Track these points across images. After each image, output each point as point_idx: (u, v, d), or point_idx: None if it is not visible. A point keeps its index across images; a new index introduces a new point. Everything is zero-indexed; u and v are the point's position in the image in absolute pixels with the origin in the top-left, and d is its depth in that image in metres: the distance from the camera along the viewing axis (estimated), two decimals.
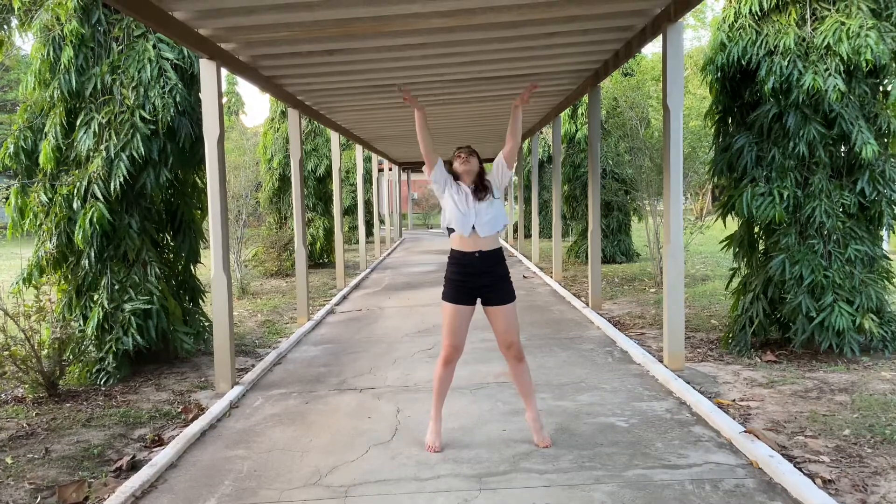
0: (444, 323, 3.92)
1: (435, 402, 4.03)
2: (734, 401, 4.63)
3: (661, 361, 5.56)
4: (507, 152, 3.98)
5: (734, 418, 4.22)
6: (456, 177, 4.01)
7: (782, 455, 3.63)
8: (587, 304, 8.36)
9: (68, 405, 5.06)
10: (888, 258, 5.75)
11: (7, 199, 6.10)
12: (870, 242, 5.56)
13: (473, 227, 3.83)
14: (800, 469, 3.48)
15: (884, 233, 5.76)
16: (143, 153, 5.69)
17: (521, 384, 4.03)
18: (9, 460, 4.03)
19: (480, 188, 3.95)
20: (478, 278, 3.85)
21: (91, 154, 5.77)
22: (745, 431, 3.90)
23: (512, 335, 3.91)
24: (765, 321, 5.70)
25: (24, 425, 4.63)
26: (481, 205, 3.90)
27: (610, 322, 7.32)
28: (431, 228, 32.30)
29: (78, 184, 5.70)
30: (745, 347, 5.76)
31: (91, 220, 5.58)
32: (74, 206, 5.70)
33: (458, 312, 3.87)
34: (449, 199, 3.93)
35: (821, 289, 5.39)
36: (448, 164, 4.03)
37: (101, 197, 5.64)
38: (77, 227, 5.64)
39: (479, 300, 3.91)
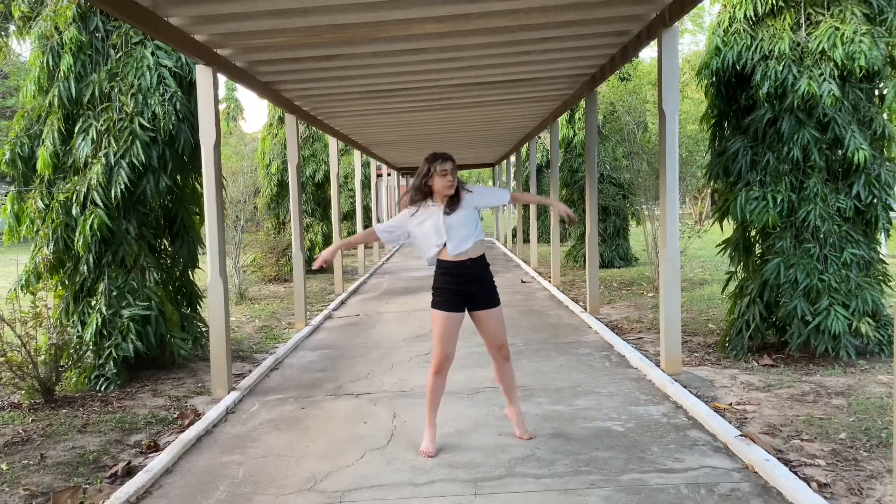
0: (435, 332, 3.92)
1: (429, 411, 4.04)
2: (731, 405, 4.63)
3: (658, 366, 5.55)
4: (517, 198, 4.42)
5: (730, 422, 4.22)
6: (427, 194, 3.87)
7: (778, 459, 3.63)
8: (585, 309, 8.36)
9: (64, 411, 5.05)
10: (885, 262, 5.76)
11: (3, 204, 6.11)
12: (866, 246, 5.56)
13: (445, 245, 3.81)
14: (795, 473, 3.48)
15: (881, 237, 5.76)
16: (143, 160, 5.71)
17: (506, 382, 4.14)
18: (4, 466, 4.03)
19: (453, 201, 3.84)
20: (468, 285, 3.87)
21: (90, 161, 5.78)
22: (741, 435, 3.90)
23: (502, 337, 4.01)
24: (761, 325, 5.70)
25: (20, 431, 4.63)
26: (451, 219, 3.83)
27: (607, 326, 7.32)
28: None
29: (76, 190, 5.72)
30: (741, 351, 5.76)
31: (91, 227, 5.60)
32: (73, 212, 5.71)
33: (450, 320, 3.87)
34: (418, 232, 3.90)
35: (816, 292, 5.39)
36: (422, 180, 3.83)
37: (100, 203, 5.65)
38: (77, 234, 5.65)
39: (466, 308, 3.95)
